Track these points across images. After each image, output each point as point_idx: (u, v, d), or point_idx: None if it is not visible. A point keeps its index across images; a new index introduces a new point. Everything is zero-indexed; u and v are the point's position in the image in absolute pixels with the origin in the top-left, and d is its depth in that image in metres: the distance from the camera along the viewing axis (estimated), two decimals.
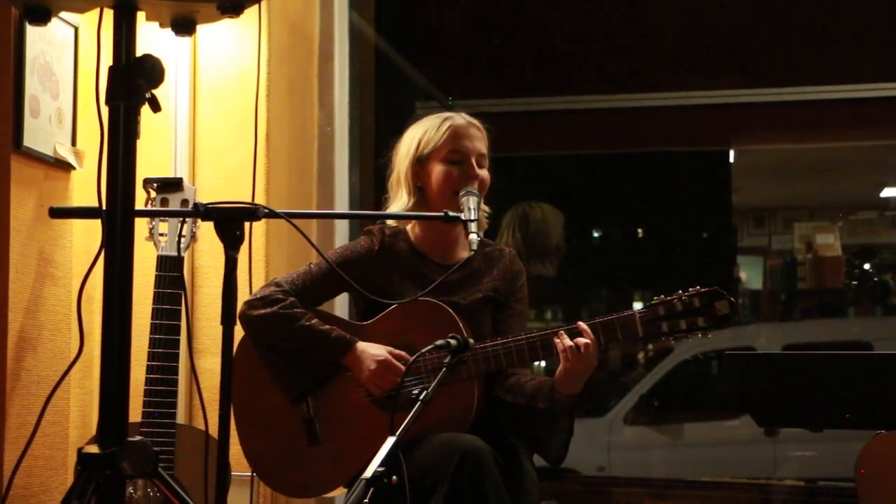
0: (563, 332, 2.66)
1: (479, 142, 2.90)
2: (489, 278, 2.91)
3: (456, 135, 2.88)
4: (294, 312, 2.79)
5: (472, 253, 2.64)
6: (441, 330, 2.60)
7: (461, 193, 2.78)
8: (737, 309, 2.70)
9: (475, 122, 2.94)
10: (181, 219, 3.06)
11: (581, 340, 2.63)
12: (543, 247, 4.57)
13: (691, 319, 2.67)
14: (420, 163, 2.89)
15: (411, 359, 2.62)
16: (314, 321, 2.79)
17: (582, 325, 2.65)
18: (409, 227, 2.95)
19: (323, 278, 2.86)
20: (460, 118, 2.92)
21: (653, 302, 2.69)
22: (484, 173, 2.88)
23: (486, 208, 2.94)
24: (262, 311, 2.80)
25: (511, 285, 2.94)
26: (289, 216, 2.33)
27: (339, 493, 3.00)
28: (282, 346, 2.81)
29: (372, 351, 2.76)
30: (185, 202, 3.09)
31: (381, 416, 2.72)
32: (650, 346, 7.39)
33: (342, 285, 2.90)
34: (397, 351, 2.75)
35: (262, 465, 2.87)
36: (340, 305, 3.61)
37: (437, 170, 2.87)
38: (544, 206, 4.72)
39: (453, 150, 2.87)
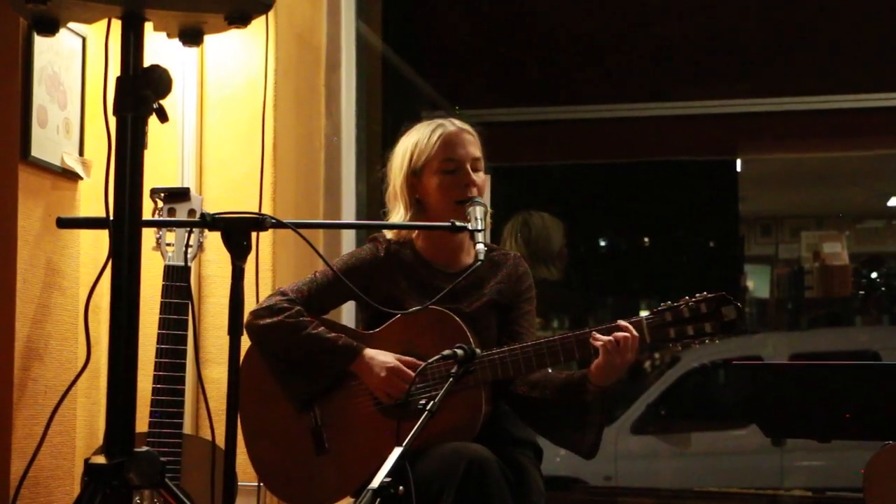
0: (595, 331, 2.66)
1: (472, 146, 2.87)
2: (493, 282, 2.90)
3: (447, 143, 2.85)
4: (300, 321, 2.79)
5: (479, 263, 2.63)
6: (448, 338, 2.59)
7: (467, 203, 2.77)
8: (743, 315, 2.69)
9: (466, 126, 2.90)
10: (188, 229, 3.06)
11: (620, 334, 2.63)
12: (546, 252, 4.58)
13: (698, 325, 2.67)
14: (415, 175, 2.87)
15: (419, 368, 2.61)
16: (321, 329, 2.79)
17: (622, 322, 2.66)
18: (412, 236, 2.94)
19: (328, 287, 2.86)
20: (451, 125, 2.88)
21: (660, 308, 2.69)
22: (480, 177, 2.86)
23: (488, 209, 2.93)
24: (268, 321, 2.79)
25: (516, 287, 2.93)
26: (295, 226, 2.33)
27: (346, 502, 2.99)
28: (288, 355, 2.81)
29: (381, 358, 2.75)
30: (192, 212, 3.09)
31: (387, 424, 2.71)
32: (657, 355, 7.38)
33: (348, 294, 2.90)
34: (406, 358, 2.75)
35: (268, 475, 2.87)
36: (347, 315, 3.61)
37: (432, 181, 2.85)
38: (544, 214, 4.74)
39: (446, 158, 2.84)
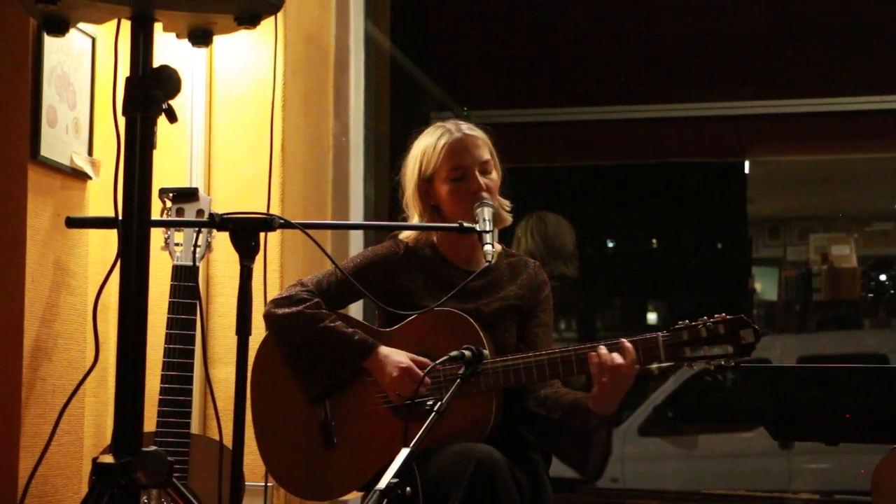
0: (591, 352, 2.64)
1: (479, 149, 2.85)
2: (513, 287, 2.90)
3: (452, 151, 2.84)
4: (319, 313, 2.80)
5: (488, 264, 2.63)
6: (461, 339, 2.59)
7: (475, 205, 2.76)
8: (760, 338, 2.67)
9: (473, 130, 2.89)
10: (196, 229, 3.07)
11: (617, 359, 2.60)
12: (563, 249, 4.59)
13: (715, 347, 2.64)
14: (427, 182, 2.87)
15: (427, 368, 2.62)
16: (338, 323, 2.80)
17: (625, 342, 2.62)
18: (433, 237, 2.94)
19: (347, 281, 2.85)
20: (457, 131, 2.87)
21: (677, 326, 2.65)
22: (490, 179, 2.84)
23: (507, 203, 2.92)
24: (288, 310, 2.80)
25: (536, 295, 2.93)
26: (304, 226, 2.33)
27: (354, 496, 3.00)
28: (305, 346, 2.81)
29: (395, 357, 2.75)
30: (200, 212, 3.10)
31: (397, 422, 2.72)
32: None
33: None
34: (420, 358, 2.74)
35: (277, 467, 2.87)
36: (355, 310, 3.61)
37: (443, 190, 2.85)
38: (556, 215, 4.75)
39: (453, 167, 2.83)
